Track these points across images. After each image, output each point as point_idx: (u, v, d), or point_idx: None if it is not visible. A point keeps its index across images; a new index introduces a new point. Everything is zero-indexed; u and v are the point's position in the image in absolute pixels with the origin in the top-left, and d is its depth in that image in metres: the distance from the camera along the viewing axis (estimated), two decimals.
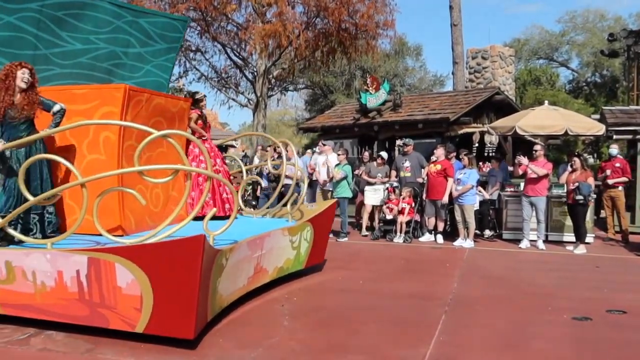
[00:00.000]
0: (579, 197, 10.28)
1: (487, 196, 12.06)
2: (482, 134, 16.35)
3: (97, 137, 6.31)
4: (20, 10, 6.32)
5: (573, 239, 10.93)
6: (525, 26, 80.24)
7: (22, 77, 5.82)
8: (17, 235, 5.56)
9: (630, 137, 13.20)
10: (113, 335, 5.23)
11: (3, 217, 5.66)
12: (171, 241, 4.92)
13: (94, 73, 7.22)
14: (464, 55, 27.18)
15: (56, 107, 6.01)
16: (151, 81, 7.95)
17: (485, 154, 15.56)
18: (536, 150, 11.18)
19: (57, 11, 6.68)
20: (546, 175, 10.77)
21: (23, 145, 5.75)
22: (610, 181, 11.67)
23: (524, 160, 10.83)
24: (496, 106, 18.17)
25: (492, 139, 16.07)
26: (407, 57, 48.92)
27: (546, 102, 15.26)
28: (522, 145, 16.96)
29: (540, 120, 13.05)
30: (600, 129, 13.01)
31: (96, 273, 5.16)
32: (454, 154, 12.23)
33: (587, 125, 13.18)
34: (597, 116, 15.51)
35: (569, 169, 10.97)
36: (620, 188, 11.75)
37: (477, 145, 16.40)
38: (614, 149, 12.18)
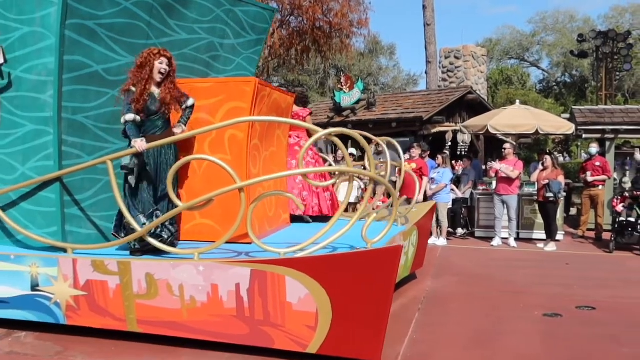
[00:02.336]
0: (549, 194, 10.36)
1: (459, 195, 12.13)
2: (454, 132, 16.40)
3: (222, 135, 5.65)
4: None
5: (543, 236, 11.01)
6: (497, 26, 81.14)
7: (159, 67, 5.14)
8: (162, 246, 4.90)
9: (599, 136, 13.31)
10: (83, 334, 5.11)
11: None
12: (361, 252, 4.35)
13: (195, 65, 6.55)
14: (437, 55, 27.08)
15: (189, 102, 5.36)
16: (240, 75, 7.30)
17: (458, 153, 15.56)
18: (505, 149, 11.25)
19: None
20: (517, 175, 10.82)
21: (162, 145, 5.07)
22: (590, 179, 11.69)
23: (495, 165, 10.93)
24: (469, 105, 18.42)
25: (464, 138, 16.05)
26: (381, 56, 48.77)
27: (517, 101, 15.46)
28: (494, 144, 17.10)
29: (512, 119, 13.15)
30: (570, 128, 13.17)
31: (261, 287, 4.55)
32: (428, 152, 12.21)
33: (557, 125, 13.32)
34: (567, 115, 15.78)
35: (540, 167, 11.02)
36: (600, 187, 11.79)
37: (450, 144, 16.42)
38: (594, 148, 12.32)
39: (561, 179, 10.58)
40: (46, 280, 5.10)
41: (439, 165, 11.39)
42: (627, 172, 13.27)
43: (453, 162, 13.27)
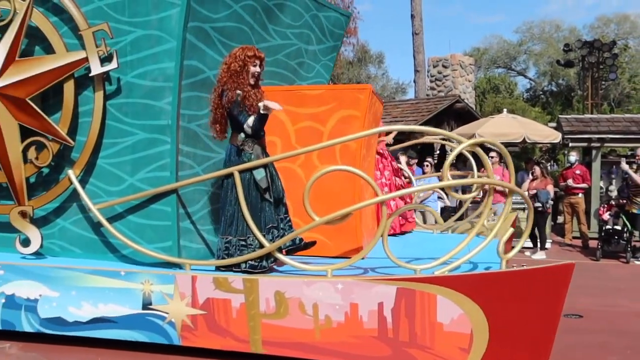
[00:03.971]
0: (537, 204, 10.38)
1: (448, 203, 11.91)
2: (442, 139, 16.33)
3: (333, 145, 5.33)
4: None
5: (531, 244, 11.00)
6: (484, 35, 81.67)
7: (253, 70, 4.70)
8: (293, 263, 4.57)
9: (585, 144, 13.49)
10: (69, 343, 4.92)
11: (243, 242, 4.68)
12: (530, 270, 4.07)
13: (285, 72, 6.23)
14: (425, 64, 27.09)
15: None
16: (318, 82, 7.00)
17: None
18: (492, 157, 11.15)
19: (270, 0, 5.68)
20: None
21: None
22: (571, 184, 11.78)
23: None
24: (457, 114, 18.46)
25: (452, 147, 15.92)
26: (369, 64, 48.62)
27: (505, 110, 15.65)
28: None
29: (500, 128, 13.18)
30: (556, 137, 13.24)
31: (407, 306, 4.25)
32: (416, 160, 11.94)
33: (544, 133, 13.42)
34: (554, 124, 15.98)
35: (530, 177, 11.09)
36: (580, 195, 11.86)
37: (438, 152, 16.47)
38: (573, 156, 12.33)
39: (550, 188, 10.63)
40: (160, 299, 4.74)
41: (424, 173, 11.22)
42: (613, 181, 13.29)
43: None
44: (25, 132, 5.09)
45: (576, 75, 42.33)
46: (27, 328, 5.03)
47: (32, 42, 5.15)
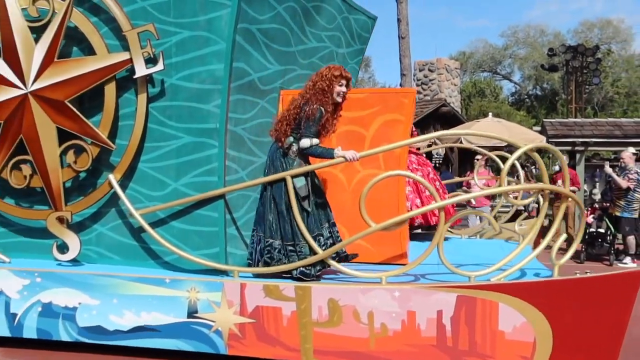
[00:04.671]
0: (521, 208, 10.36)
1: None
2: (429, 144, 16.39)
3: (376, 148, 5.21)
4: None
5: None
6: (470, 39, 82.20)
7: (339, 90, 4.62)
8: (347, 270, 4.45)
9: (569, 148, 13.42)
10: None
11: (292, 249, 4.55)
12: (598, 277, 3.98)
13: None
14: (412, 68, 27.11)
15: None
16: None
17: (432, 164, 15.54)
18: (477, 160, 11.13)
19: (310, 2, 5.55)
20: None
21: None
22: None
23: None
24: (443, 117, 18.62)
25: (438, 150, 15.97)
26: None
27: (490, 114, 15.82)
28: (468, 156, 17.29)
29: (485, 131, 13.06)
30: (541, 141, 13.26)
31: (468, 314, 4.15)
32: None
33: (528, 137, 13.48)
34: (539, 128, 16.06)
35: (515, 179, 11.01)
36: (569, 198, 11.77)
37: (424, 155, 16.39)
38: (557, 166, 12.33)
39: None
40: (207, 307, 4.59)
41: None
42: (597, 184, 13.46)
43: None
44: (63, 135, 4.90)
45: (560, 80, 42.76)
46: (65, 337, 4.84)
47: (70, 42, 4.96)
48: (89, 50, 4.92)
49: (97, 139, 4.79)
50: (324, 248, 4.48)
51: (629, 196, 9.70)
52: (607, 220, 10.24)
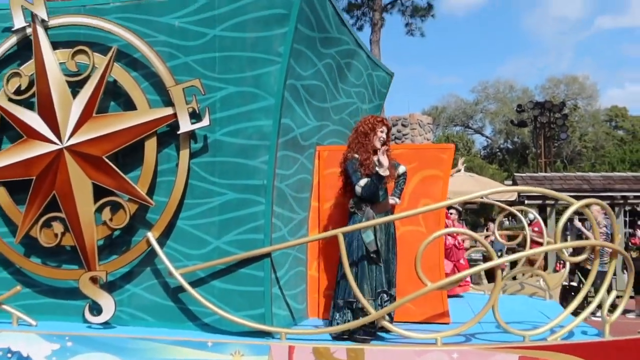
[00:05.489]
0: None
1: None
2: None
3: (414, 205, 5.14)
4: (326, 55, 5.16)
5: None
6: (442, 95, 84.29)
7: (380, 135, 4.68)
8: (401, 331, 4.29)
9: (540, 202, 13.78)
10: None
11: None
12: None
13: (346, 131, 6.05)
14: None
15: (401, 169, 4.88)
16: None
17: None
18: (451, 214, 11.26)
19: (343, 59, 5.56)
20: None
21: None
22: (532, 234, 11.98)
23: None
24: None
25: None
26: None
27: (460, 161, 16.03)
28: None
29: (457, 186, 13.27)
30: (512, 195, 13.61)
31: None
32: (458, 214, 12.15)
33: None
34: (510, 182, 16.27)
35: (484, 232, 11.38)
36: None
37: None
38: (531, 214, 12.60)
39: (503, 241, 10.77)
40: None
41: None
42: (568, 238, 13.48)
43: None
44: (98, 192, 4.71)
45: (530, 134, 43.84)
46: None
47: (108, 97, 4.83)
48: (126, 105, 4.79)
49: (136, 196, 4.62)
50: (386, 304, 4.35)
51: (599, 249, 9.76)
52: (579, 273, 10.32)
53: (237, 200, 4.52)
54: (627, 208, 16.81)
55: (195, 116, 4.53)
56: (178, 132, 4.50)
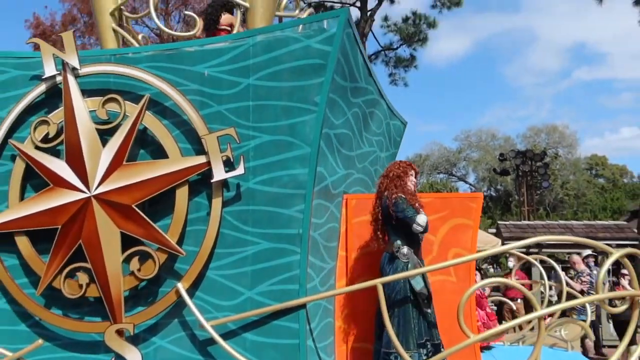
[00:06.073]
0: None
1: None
2: None
3: (444, 254, 5.09)
4: (354, 105, 5.17)
5: None
6: (426, 142, 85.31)
7: (411, 179, 4.68)
8: None
9: (523, 250, 13.80)
10: None
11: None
12: None
13: (367, 179, 6.04)
14: None
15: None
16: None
17: None
18: (511, 262, 11.38)
19: (368, 108, 5.57)
20: None
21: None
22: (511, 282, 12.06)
23: None
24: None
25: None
26: None
27: None
28: None
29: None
30: (496, 243, 13.71)
31: None
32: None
33: (484, 239, 13.79)
34: (494, 230, 16.41)
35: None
36: (519, 300, 11.95)
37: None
38: (511, 262, 12.70)
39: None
40: None
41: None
42: (554, 288, 13.48)
43: None
44: (126, 241, 4.59)
45: (513, 182, 44.34)
46: None
47: (137, 145, 4.76)
48: (156, 153, 4.72)
49: (166, 245, 4.49)
50: (430, 355, 4.23)
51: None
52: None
53: (271, 250, 4.43)
54: None
55: (228, 164, 4.46)
56: (211, 181, 4.41)
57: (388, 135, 6.59)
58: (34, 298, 4.76)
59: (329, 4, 22.41)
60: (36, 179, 4.82)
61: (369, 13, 21.87)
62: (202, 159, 4.49)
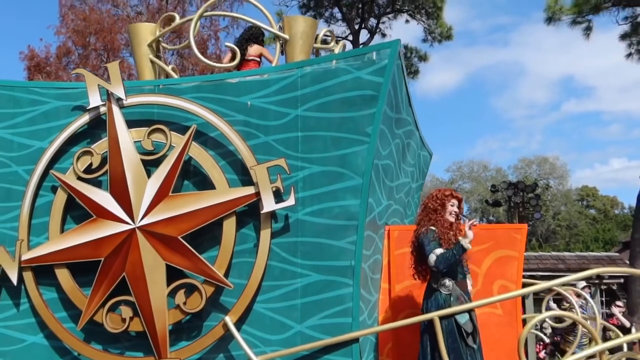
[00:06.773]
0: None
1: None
2: None
3: (489, 286, 5.00)
4: (397, 136, 5.14)
5: None
6: None
7: (451, 209, 4.52)
8: None
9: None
10: None
11: None
12: None
13: (402, 210, 5.98)
14: None
15: None
16: (410, 221, 6.76)
17: None
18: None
19: (406, 139, 5.54)
20: None
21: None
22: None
23: None
24: None
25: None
26: None
27: None
28: None
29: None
30: None
31: None
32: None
33: None
34: None
35: None
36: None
37: None
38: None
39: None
40: None
41: None
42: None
43: None
44: (171, 274, 4.47)
45: (505, 213, 44.38)
46: None
47: (182, 175, 4.67)
48: (200, 184, 4.64)
49: (213, 278, 4.38)
50: None
51: (576, 330, 9.58)
52: (559, 355, 10.06)
53: (321, 282, 4.33)
54: (603, 287, 16.87)
55: (277, 195, 4.38)
56: (262, 212, 4.32)
57: (418, 166, 6.55)
58: (73, 332, 4.60)
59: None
60: (77, 210, 4.71)
61: (360, 46, 22.10)
62: (250, 190, 4.41)
